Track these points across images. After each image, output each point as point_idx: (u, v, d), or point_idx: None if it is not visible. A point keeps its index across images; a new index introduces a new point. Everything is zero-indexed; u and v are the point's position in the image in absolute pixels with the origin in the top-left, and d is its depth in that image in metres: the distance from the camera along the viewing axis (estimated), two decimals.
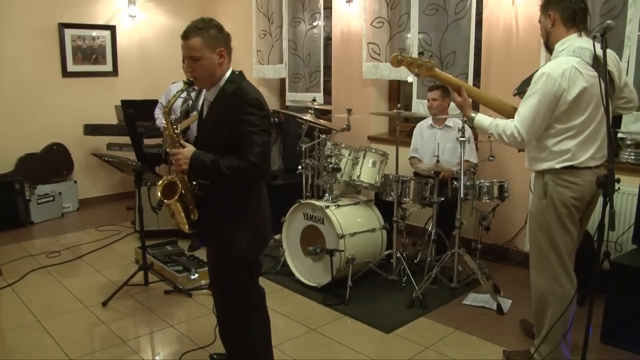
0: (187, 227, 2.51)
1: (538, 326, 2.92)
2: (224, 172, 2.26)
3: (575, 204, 2.68)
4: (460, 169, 3.67)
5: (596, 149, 2.64)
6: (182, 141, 2.42)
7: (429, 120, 4.52)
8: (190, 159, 2.30)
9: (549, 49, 2.75)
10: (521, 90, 2.80)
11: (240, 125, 2.27)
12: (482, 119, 2.77)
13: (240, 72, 2.44)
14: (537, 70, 2.68)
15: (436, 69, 2.87)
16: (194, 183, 2.46)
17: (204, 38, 2.28)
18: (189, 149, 2.35)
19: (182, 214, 2.47)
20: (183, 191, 2.44)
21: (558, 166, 2.66)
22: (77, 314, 3.65)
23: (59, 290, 4.04)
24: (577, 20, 2.63)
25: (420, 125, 4.62)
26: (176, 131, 2.46)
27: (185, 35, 2.30)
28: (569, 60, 2.55)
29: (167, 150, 2.45)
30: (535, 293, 2.89)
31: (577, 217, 2.74)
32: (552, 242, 2.74)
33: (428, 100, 4.38)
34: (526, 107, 2.61)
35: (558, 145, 2.64)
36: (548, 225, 2.73)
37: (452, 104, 4.40)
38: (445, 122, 4.41)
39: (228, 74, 2.39)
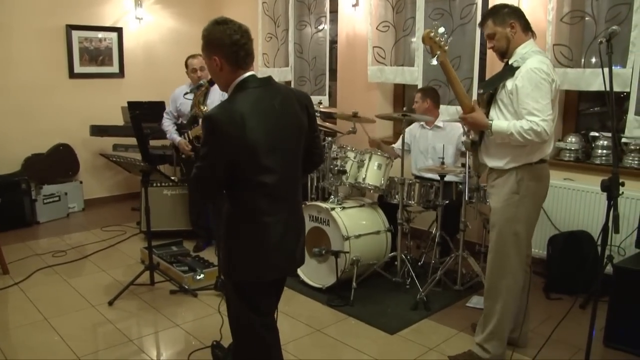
0: None
1: (485, 321, 3.00)
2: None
3: (542, 198, 2.92)
4: (465, 172, 3.70)
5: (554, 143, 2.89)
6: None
7: (420, 122, 4.55)
8: None
9: (505, 54, 2.87)
10: (487, 90, 2.90)
11: None
12: (500, 122, 2.76)
13: (246, 80, 2.19)
14: (507, 71, 2.79)
15: (448, 60, 2.86)
16: None
17: (204, 42, 2.23)
18: None
19: None
20: None
21: (535, 159, 2.80)
22: (84, 313, 3.68)
23: (65, 289, 4.07)
24: (530, 27, 2.86)
25: (410, 128, 4.60)
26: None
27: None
28: (545, 59, 2.76)
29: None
30: (489, 287, 2.98)
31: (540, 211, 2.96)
32: (516, 237, 2.87)
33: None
34: (532, 101, 2.66)
35: None
36: (516, 220, 2.85)
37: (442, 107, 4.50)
38: (435, 122, 4.44)
39: (238, 80, 2.19)
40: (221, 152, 2.06)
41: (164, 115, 4.84)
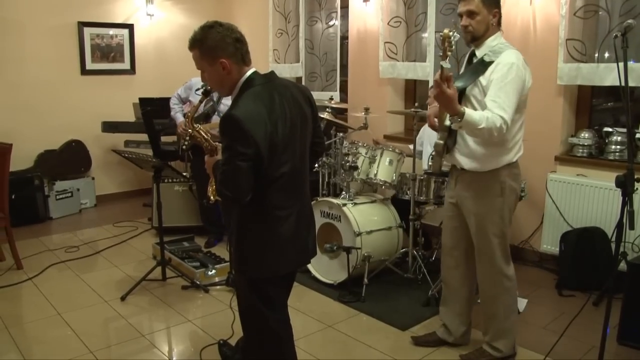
0: None
1: (488, 322, 2.99)
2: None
3: (519, 193, 2.88)
4: None
5: None
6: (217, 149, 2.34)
7: None
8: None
9: (475, 40, 2.73)
10: (466, 86, 2.72)
11: None
12: (473, 113, 2.56)
13: (252, 78, 2.20)
14: (479, 66, 2.68)
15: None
16: None
17: (202, 50, 2.18)
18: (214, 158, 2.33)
19: None
20: None
21: (515, 158, 2.76)
22: (97, 308, 3.71)
23: (78, 285, 4.10)
24: (501, 22, 2.76)
25: (424, 127, 4.55)
26: (207, 136, 2.42)
27: (188, 45, 2.22)
28: (520, 54, 2.67)
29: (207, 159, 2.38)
30: (485, 294, 2.95)
31: None
32: (501, 239, 2.83)
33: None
34: (505, 96, 2.56)
35: (517, 136, 2.74)
36: (502, 222, 2.80)
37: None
38: None
39: (244, 78, 2.19)
40: (248, 149, 2.01)
41: (174, 94, 4.79)
